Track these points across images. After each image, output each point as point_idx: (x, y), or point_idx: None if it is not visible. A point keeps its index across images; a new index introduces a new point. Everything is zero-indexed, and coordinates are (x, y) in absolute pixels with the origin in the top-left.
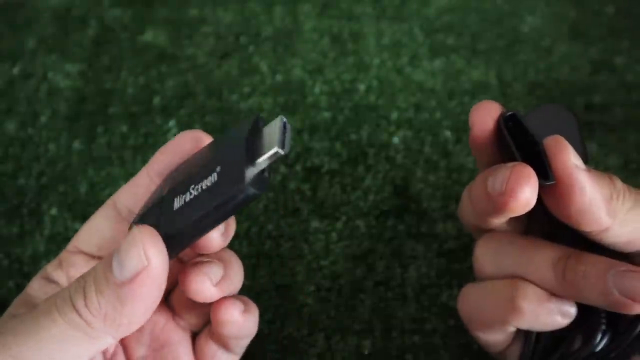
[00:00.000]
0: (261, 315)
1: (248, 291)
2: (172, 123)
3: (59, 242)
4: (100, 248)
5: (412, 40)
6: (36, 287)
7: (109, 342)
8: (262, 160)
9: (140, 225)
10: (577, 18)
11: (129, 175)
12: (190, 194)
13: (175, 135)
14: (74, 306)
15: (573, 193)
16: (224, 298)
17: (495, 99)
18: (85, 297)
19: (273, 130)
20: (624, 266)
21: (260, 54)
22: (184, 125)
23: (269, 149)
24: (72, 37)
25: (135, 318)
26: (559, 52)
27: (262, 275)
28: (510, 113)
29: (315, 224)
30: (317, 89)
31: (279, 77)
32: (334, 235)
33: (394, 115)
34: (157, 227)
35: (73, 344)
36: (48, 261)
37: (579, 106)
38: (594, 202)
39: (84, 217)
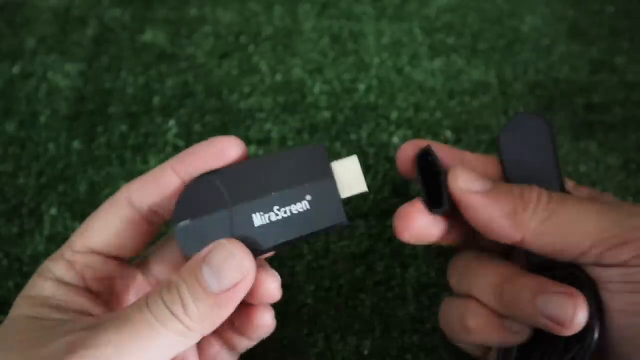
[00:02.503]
0: None
1: None
2: (172, 123)
3: (58, 242)
4: (119, 248)
5: (412, 40)
6: (51, 290)
7: (199, 338)
8: (349, 196)
9: (230, 239)
10: (577, 18)
11: (129, 175)
12: (277, 215)
13: (175, 135)
14: (175, 316)
15: (467, 214)
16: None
17: (495, 99)
18: (183, 305)
19: (351, 168)
20: (554, 288)
21: (260, 54)
22: (184, 125)
23: (358, 189)
24: (72, 37)
25: (227, 316)
26: (559, 52)
27: None
28: (422, 151)
29: None
30: (317, 89)
31: (279, 77)
32: (334, 235)
33: (394, 115)
34: (231, 237)
35: (174, 347)
36: None
37: (579, 106)
38: (493, 219)
39: (83, 217)
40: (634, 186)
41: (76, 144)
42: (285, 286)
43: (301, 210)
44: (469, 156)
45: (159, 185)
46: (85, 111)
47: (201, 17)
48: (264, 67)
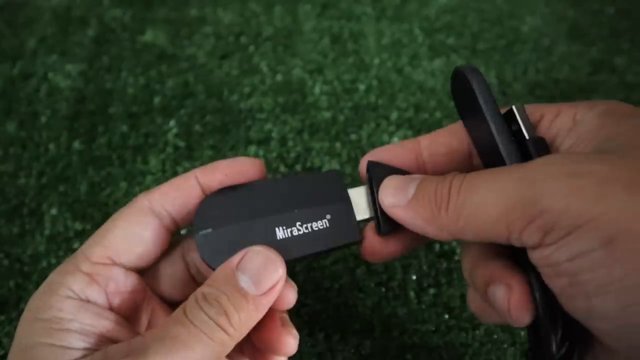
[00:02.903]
0: None
1: None
2: (172, 123)
3: (59, 241)
4: (141, 258)
5: (412, 41)
6: (72, 310)
7: (234, 345)
8: (362, 219)
9: (262, 246)
10: (577, 18)
11: (129, 175)
12: (299, 230)
13: (175, 135)
14: (221, 327)
15: (403, 224)
16: (290, 329)
17: (495, 99)
18: (227, 315)
19: (364, 195)
20: (501, 278)
21: (261, 54)
22: (184, 125)
23: (367, 213)
24: (73, 37)
25: (259, 319)
26: (559, 52)
27: None
28: (369, 160)
29: None
30: (317, 89)
31: (279, 77)
32: None
33: (394, 116)
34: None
35: (218, 357)
36: (48, 261)
37: None
38: (419, 227)
39: (83, 217)
40: None
41: (76, 144)
42: None
43: (321, 227)
44: (434, 136)
45: (182, 193)
46: (86, 111)
47: (201, 18)
48: (264, 67)
